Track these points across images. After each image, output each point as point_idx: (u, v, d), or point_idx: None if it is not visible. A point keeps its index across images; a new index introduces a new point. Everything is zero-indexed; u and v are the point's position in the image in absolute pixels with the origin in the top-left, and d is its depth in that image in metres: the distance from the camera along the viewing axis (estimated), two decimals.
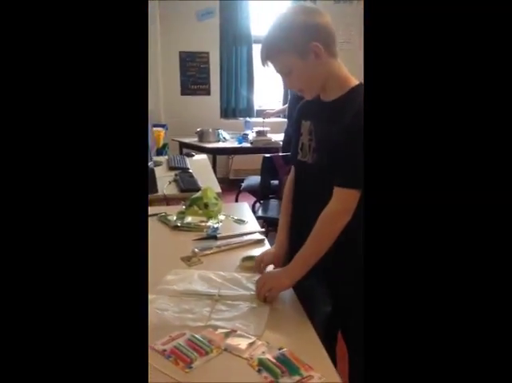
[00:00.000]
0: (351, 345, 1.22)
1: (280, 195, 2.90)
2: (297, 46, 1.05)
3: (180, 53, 4.78)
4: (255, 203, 3.08)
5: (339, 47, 1.12)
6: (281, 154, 2.93)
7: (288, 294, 1.14)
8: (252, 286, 1.15)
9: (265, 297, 1.10)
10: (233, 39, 4.74)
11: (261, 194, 2.99)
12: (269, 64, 1.11)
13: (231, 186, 4.14)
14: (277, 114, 4.53)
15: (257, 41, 4.70)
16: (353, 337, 1.21)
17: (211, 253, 1.39)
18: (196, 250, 1.39)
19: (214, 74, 4.84)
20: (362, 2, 4.76)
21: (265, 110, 4.62)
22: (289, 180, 1.33)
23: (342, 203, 1.08)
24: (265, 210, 2.74)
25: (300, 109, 1.28)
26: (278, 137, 3.96)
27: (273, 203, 2.88)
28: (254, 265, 1.25)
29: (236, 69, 4.83)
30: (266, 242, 1.48)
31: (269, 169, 2.87)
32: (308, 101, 1.22)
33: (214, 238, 1.50)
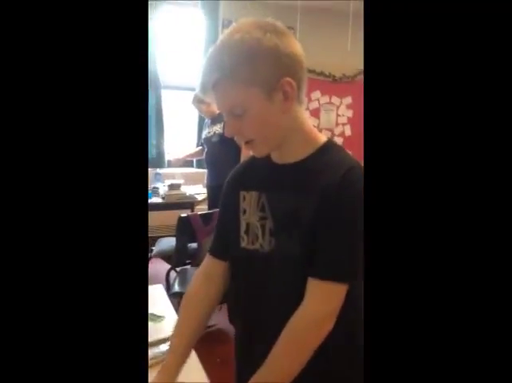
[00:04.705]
0: None
1: (199, 261, 2.51)
2: (265, 81, 0.74)
3: None
4: (169, 270, 2.65)
5: None
6: (199, 213, 2.56)
7: None
8: None
9: None
10: None
11: (177, 260, 2.57)
12: (211, 95, 0.77)
13: None
14: (190, 158, 3.75)
15: (166, 87, 4.37)
16: None
17: None
18: None
19: None
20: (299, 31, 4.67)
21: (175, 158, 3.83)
22: (200, 280, 0.94)
23: (325, 303, 0.75)
24: (182, 282, 2.31)
25: (237, 176, 0.93)
26: (193, 190, 3.59)
27: (192, 271, 2.47)
28: None
29: None
30: (194, 353, 1.08)
31: (185, 231, 2.48)
32: (251, 164, 0.90)
33: None
